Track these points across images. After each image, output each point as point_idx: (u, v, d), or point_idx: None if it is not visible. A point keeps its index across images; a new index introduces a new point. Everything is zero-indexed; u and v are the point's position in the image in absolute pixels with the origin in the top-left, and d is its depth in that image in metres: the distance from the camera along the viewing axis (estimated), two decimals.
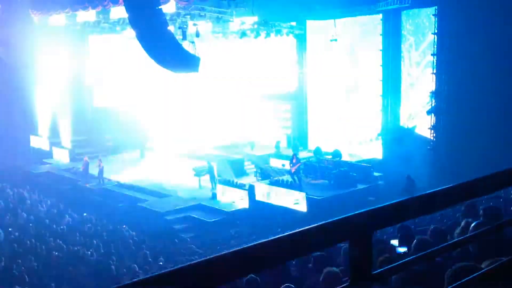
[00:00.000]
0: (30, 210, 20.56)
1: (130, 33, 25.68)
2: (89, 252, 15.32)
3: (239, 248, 1.66)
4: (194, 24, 23.02)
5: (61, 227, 18.44)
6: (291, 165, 21.23)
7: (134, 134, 29.99)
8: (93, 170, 25.18)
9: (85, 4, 24.21)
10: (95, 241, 16.47)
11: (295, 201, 19.16)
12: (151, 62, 20.62)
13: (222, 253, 1.62)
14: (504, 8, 15.18)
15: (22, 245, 15.95)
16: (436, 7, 18.46)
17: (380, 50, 23.43)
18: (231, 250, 1.64)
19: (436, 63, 18.35)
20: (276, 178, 21.22)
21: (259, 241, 1.68)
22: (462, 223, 5.30)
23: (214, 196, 21.76)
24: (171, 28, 21.55)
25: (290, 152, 23.94)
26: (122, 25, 25.35)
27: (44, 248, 15.71)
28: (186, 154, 26.98)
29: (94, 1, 23.74)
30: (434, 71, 18.50)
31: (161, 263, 14.65)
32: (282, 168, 23.12)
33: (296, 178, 20.74)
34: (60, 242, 16.27)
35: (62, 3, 25.19)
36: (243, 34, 25.04)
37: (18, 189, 23.43)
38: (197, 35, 23.50)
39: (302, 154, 24.57)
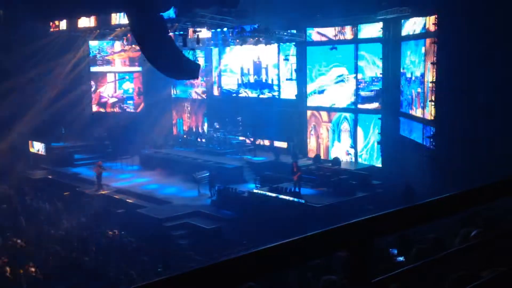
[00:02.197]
0: (28, 215, 20.52)
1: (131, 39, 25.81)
2: (87, 258, 15.28)
3: (238, 255, 1.65)
4: (195, 31, 23.10)
5: (59, 232, 18.40)
6: (292, 174, 21.24)
7: (133, 140, 30.00)
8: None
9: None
10: (93, 248, 16.43)
11: None
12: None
13: (220, 260, 1.61)
14: (507, 16, 15.21)
15: (20, 251, 15.90)
16: (437, 15, 18.52)
17: (380, 58, 23.50)
18: (229, 257, 1.63)
19: (436, 71, 18.39)
20: (275, 186, 21.18)
21: (258, 248, 1.67)
22: (462, 232, 5.28)
23: (212, 203, 21.73)
24: (172, 34, 21.63)
25: (289, 160, 23.94)
26: (123, 31, 25.46)
27: (42, 253, 15.67)
28: (185, 161, 26.92)
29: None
30: (434, 79, 18.54)
31: (159, 269, 14.60)
32: (281, 175, 23.12)
33: (297, 185, 20.74)
34: (58, 248, 16.23)
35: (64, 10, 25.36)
36: (244, 41, 25.12)
37: (17, 193, 23.44)
38: (198, 42, 23.57)
39: (302, 162, 24.56)
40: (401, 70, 22.67)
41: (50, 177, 28.19)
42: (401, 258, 5.81)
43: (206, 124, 31.59)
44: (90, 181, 25.54)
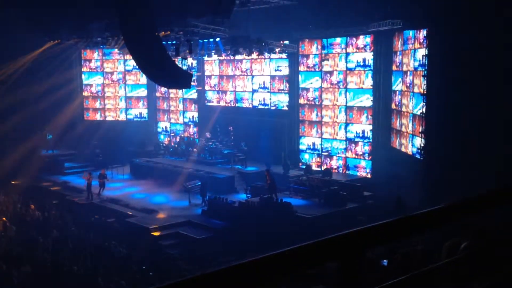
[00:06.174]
0: (18, 223, 20.33)
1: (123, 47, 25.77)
2: (76, 268, 15.14)
3: (228, 265, 1.64)
4: (188, 41, 23.11)
5: (48, 240, 18.23)
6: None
7: (124, 148, 29.90)
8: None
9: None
10: (82, 256, 16.29)
11: None
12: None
13: (210, 270, 1.60)
14: (496, 30, 15.37)
15: (7, 259, 15.73)
16: (427, 29, 18.68)
17: (371, 70, 23.64)
18: (219, 268, 1.62)
19: (426, 84, 18.52)
20: (266, 196, 21.13)
21: (249, 259, 1.66)
22: (448, 243, 5.29)
23: (203, 212, 21.64)
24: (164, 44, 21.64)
25: (281, 170, 23.93)
26: (116, 40, 25.43)
27: (31, 262, 15.51)
28: (176, 170, 26.83)
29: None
30: (424, 92, 18.67)
31: (148, 279, 14.49)
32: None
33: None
34: (47, 256, 16.08)
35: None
36: (236, 51, 25.14)
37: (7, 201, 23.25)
38: (190, 51, 23.59)
39: (293, 172, 24.55)
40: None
41: (40, 185, 27.95)
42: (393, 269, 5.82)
43: (197, 134, 31.59)
44: (79, 190, 25.39)
